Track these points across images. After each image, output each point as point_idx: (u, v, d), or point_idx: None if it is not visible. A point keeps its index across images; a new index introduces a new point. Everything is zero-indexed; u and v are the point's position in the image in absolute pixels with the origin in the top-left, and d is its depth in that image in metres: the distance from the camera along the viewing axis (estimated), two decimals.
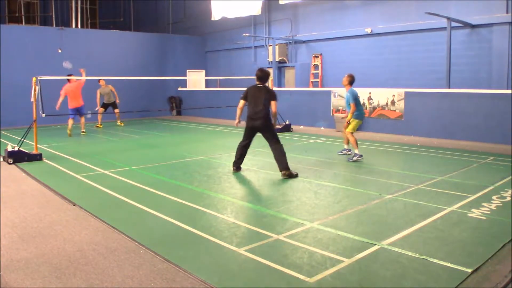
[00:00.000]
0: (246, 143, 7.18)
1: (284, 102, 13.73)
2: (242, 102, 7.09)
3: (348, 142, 8.47)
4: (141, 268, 3.46)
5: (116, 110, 14.85)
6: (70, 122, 12.34)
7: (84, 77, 12.31)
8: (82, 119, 12.72)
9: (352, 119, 8.10)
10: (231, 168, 7.22)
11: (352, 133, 8.16)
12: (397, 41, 13.99)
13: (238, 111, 7.17)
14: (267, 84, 7.14)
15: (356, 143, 8.09)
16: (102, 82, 14.62)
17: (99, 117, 14.86)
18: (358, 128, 13.82)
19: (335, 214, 4.83)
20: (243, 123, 7.13)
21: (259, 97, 6.80)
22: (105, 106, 14.68)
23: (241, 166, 7.30)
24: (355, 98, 8.00)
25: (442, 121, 11.13)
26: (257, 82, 6.98)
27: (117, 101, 14.84)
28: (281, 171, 6.71)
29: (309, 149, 9.59)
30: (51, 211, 5.04)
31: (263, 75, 6.97)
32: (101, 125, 14.82)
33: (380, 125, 12.46)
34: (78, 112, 12.32)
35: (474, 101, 10.58)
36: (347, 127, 8.25)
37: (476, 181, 6.33)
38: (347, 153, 8.57)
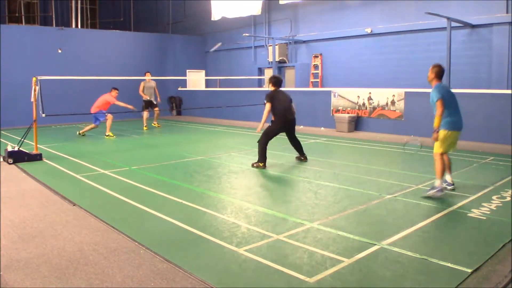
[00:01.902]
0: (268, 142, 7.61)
1: None
2: (270, 105, 7.52)
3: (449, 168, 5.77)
4: (141, 268, 3.46)
5: (156, 109, 14.30)
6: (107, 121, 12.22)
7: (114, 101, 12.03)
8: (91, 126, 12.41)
9: (441, 129, 5.45)
10: (231, 168, 7.23)
11: (442, 153, 5.50)
12: (397, 41, 13.99)
13: (267, 115, 7.52)
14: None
15: (442, 171, 5.50)
16: (148, 75, 13.98)
17: (145, 115, 14.28)
18: (359, 128, 13.58)
19: (335, 214, 4.83)
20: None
21: (287, 98, 7.72)
22: (146, 106, 14.09)
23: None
24: (442, 95, 5.37)
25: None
26: (275, 88, 7.72)
27: (158, 99, 14.36)
28: (301, 156, 8.08)
29: (309, 149, 9.57)
30: (51, 211, 5.04)
31: (280, 81, 7.87)
32: (146, 126, 14.26)
33: (380, 125, 12.45)
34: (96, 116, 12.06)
35: (474, 101, 10.57)
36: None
37: (476, 181, 6.32)
38: (449, 187, 5.75)
